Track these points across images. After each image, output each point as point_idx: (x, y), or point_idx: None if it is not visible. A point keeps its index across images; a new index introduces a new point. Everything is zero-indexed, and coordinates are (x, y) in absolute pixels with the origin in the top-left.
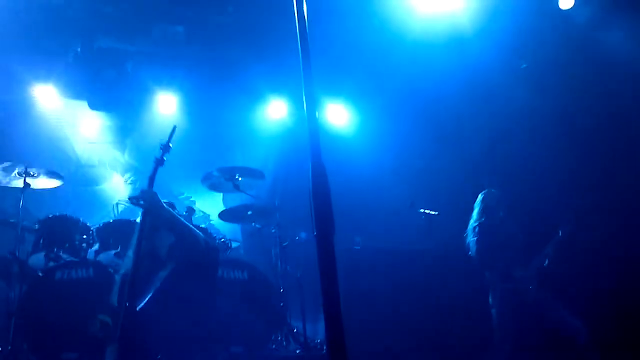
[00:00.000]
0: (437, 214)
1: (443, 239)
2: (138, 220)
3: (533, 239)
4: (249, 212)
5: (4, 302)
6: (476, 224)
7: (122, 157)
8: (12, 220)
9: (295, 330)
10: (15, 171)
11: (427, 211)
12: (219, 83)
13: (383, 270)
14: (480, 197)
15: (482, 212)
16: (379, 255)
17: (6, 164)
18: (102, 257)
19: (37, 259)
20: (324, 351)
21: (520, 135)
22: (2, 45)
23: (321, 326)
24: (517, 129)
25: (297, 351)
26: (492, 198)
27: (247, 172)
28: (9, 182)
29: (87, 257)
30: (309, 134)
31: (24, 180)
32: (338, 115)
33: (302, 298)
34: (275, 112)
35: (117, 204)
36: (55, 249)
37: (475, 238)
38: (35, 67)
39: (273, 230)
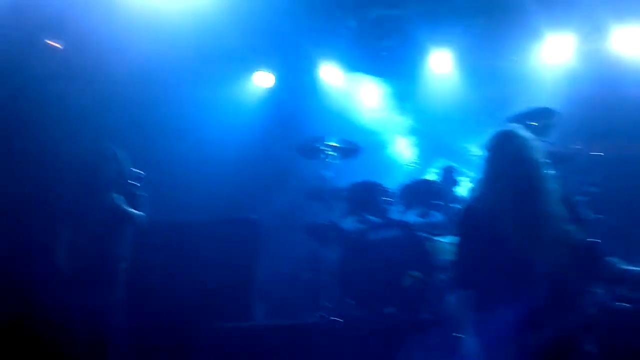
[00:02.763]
0: None
1: None
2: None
3: None
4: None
5: (327, 264)
6: None
7: (403, 121)
8: (321, 193)
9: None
10: (319, 146)
11: None
12: (494, 30)
13: None
14: None
15: None
16: None
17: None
18: (406, 217)
19: (348, 223)
20: None
21: None
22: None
23: None
24: None
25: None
26: None
27: (539, 114)
28: (313, 157)
29: (392, 217)
30: None
31: (326, 153)
32: None
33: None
34: (557, 48)
35: (404, 165)
36: (363, 213)
37: None
38: (319, 46)
39: (574, 176)
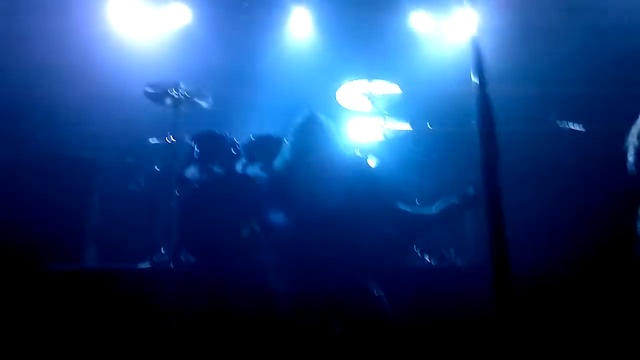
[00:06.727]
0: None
1: None
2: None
3: None
4: None
5: (165, 211)
6: None
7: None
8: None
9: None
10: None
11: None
12: None
13: None
14: None
15: None
16: None
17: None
18: (249, 170)
19: (191, 172)
20: (460, 264)
21: None
22: None
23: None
24: None
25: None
26: None
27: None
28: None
29: (236, 169)
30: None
31: (178, 99)
32: None
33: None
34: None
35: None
36: (207, 163)
37: None
38: None
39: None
